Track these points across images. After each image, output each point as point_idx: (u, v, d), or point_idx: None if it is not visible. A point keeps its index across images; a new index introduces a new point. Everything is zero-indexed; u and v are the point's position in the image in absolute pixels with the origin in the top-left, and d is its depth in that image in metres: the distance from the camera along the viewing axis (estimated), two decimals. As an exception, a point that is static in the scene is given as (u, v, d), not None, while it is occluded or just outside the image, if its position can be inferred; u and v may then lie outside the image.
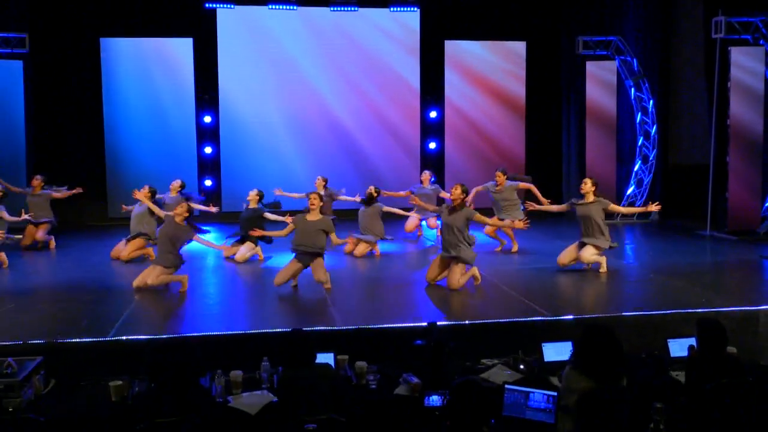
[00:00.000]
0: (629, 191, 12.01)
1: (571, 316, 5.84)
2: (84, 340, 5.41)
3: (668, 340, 5.19)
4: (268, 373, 4.87)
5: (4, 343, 5.16)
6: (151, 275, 6.69)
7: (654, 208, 7.50)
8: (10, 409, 4.29)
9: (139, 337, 5.44)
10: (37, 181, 9.49)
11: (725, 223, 10.13)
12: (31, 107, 11.34)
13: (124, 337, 5.45)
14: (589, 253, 7.35)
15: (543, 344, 5.14)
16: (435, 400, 4.31)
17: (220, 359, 4.91)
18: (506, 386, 4.18)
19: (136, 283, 6.75)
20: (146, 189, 8.54)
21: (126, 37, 11.70)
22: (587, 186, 7.50)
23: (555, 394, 3.99)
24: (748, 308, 6.03)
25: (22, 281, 7.68)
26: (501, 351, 5.29)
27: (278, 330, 5.62)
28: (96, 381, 4.85)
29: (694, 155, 11.93)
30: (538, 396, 4.05)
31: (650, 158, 11.84)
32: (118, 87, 11.79)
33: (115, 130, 11.82)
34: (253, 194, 8.57)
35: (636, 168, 12.01)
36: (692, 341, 4.67)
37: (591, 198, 7.43)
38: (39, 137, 11.62)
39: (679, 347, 5.12)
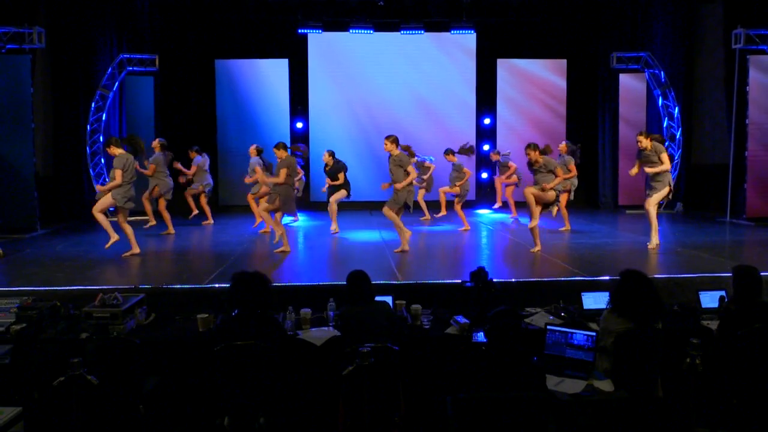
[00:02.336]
0: (657, 186, 13.62)
1: (607, 277, 6.20)
2: (183, 286, 6.21)
3: (699, 292, 5.28)
4: (334, 313, 5.18)
5: (119, 287, 5.82)
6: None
7: None
8: (114, 334, 4.76)
9: (227, 285, 5.55)
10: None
11: (744, 210, 11.07)
12: (160, 117, 13.35)
13: (216, 285, 6.21)
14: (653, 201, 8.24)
15: (582, 293, 5.32)
16: (481, 336, 4.49)
17: (293, 301, 5.35)
18: (548, 327, 4.34)
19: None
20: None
21: (235, 59, 13.83)
22: (643, 141, 8.22)
23: (594, 334, 4.13)
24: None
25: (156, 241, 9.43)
26: (543, 303, 5.55)
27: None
28: (188, 316, 5.35)
29: (714, 155, 13.04)
30: (579, 336, 4.18)
31: (675, 158, 13.25)
32: (229, 98, 13.89)
33: (226, 134, 13.92)
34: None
35: None
36: (722, 293, 4.97)
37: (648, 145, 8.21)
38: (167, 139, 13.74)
39: (710, 299, 5.19)
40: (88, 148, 12.42)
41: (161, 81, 13.46)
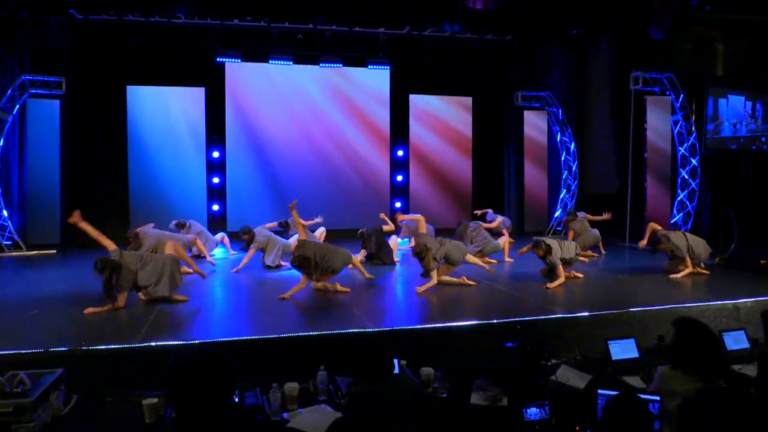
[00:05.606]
0: (557, 214, 14.43)
1: (587, 312, 6.04)
2: (110, 346, 4.82)
3: (722, 333, 4.92)
4: (325, 384, 4.19)
5: (24, 351, 4.61)
6: None
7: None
8: None
9: (170, 342, 4.92)
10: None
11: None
12: (65, 141, 12.29)
13: (153, 343, 4.88)
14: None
15: (609, 342, 4.85)
16: (534, 412, 3.63)
17: (263, 369, 4.45)
18: (599, 392, 3.55)
19: None
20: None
21: (148, 85, 13.10)
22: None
23: (658, 398, 3.38)
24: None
25: (37, 291, 7.49)
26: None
27: (335, 332, 5.22)
28: (126, 397, 4.10)
29: (604, 186, 13.79)
30: (642, 402, 3.59)
31: (573, 188, 14.20)
32: (141, 126, 13.09)
33: (138, 163, 13.08)
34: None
35: (562, 196, 14.35)
36: (741, 334, 4.75)
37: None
38: (72, 167, 12.63)
39: (733, 340, 4.91)
40: (-18, 174, 11.26)
41: (68, 105, 12.44)
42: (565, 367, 4.69)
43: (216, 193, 13.74)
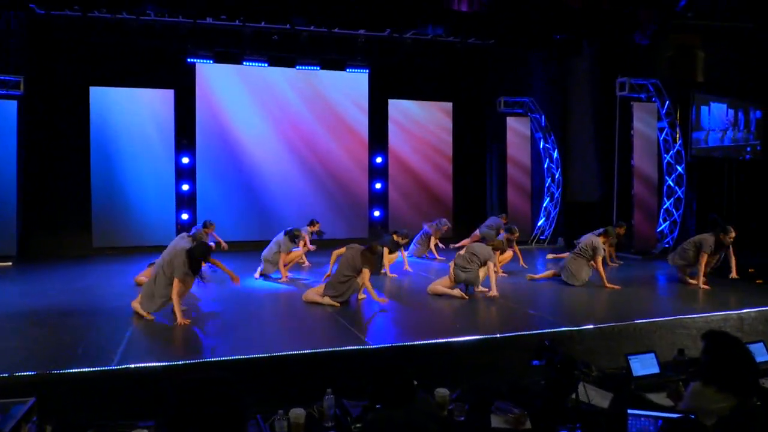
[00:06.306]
0: (540, 222, 14.16)
1: (591, 325, 5.88)
2: (84, 369, 4.32)
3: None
4: (333, 410, 3.87)
5: None
6: None
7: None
8: None
9: (152, 364, 4.49)
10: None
11: (631, 244, 11.59)
12: (23, 144, 11.53)
13: (132, 365, 4.44)
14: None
15: (629, 357, 4.65)
16: None
17: (259, 392, 4.17)
18: (629, 411, 3.32)
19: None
20: None
21: (114, 87, 12.30)
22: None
23: (693, 418, 3.03)
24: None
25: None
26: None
27: (341, 349, 4.96)
28: (110, 428, 3.67)
29: (585, 194, 13.60)
30: (675, 422, 3.31)
31: (556, 196, 13.93)
32: (105, 130, 12.29)
33: (102, 169, 12.27)
34: None
35: (545, 204, 14.11)
36: (761, 346, 4.58)
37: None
38: (30, 172, 11.87)
39: (759, 351, 4.70)
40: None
41: (26, 106, 11.63)
42: (584, 384, 4.29)
43: (185, 201, 13.03)
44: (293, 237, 8.86)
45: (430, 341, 5.34)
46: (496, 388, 4.22)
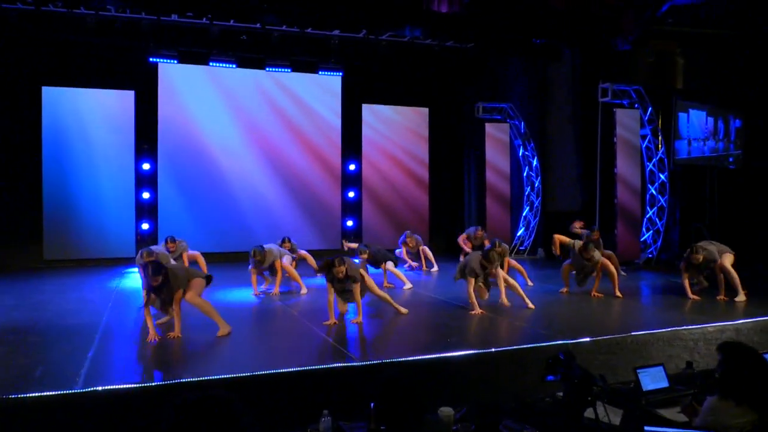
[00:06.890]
0: (519, 233, 13.73)
1: (588, 338, 5.64)
2: (45, 394, 3.89)
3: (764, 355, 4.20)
4: None
5: None
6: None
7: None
8: None
9: (124, 386, 4.10)
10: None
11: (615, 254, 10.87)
12: None
13: (99, 387, 4.06)
14: None
15: (638, 371, 4.46)
16: None
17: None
18: (646, 429, 3.31)
19: None
20: None
21: (69, 87, 11.52)
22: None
23: None
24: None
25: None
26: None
27: (337, 365, 4.61)
28: None
29: (565, 203, 13.22)
30: (692, 439, 3.24)
31: (535, 205, 13.52)
32: (58, 133, 11.50)
33: (54, 175, 11.45)
34: None
35: (524, 213, 13.68)
36: None
37: None
38: None
39: None
40: None
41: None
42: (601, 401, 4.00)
43: (146, 210, 12.28)
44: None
45: (429, 356, 5.05)
46: (502, 405, 4.03)
